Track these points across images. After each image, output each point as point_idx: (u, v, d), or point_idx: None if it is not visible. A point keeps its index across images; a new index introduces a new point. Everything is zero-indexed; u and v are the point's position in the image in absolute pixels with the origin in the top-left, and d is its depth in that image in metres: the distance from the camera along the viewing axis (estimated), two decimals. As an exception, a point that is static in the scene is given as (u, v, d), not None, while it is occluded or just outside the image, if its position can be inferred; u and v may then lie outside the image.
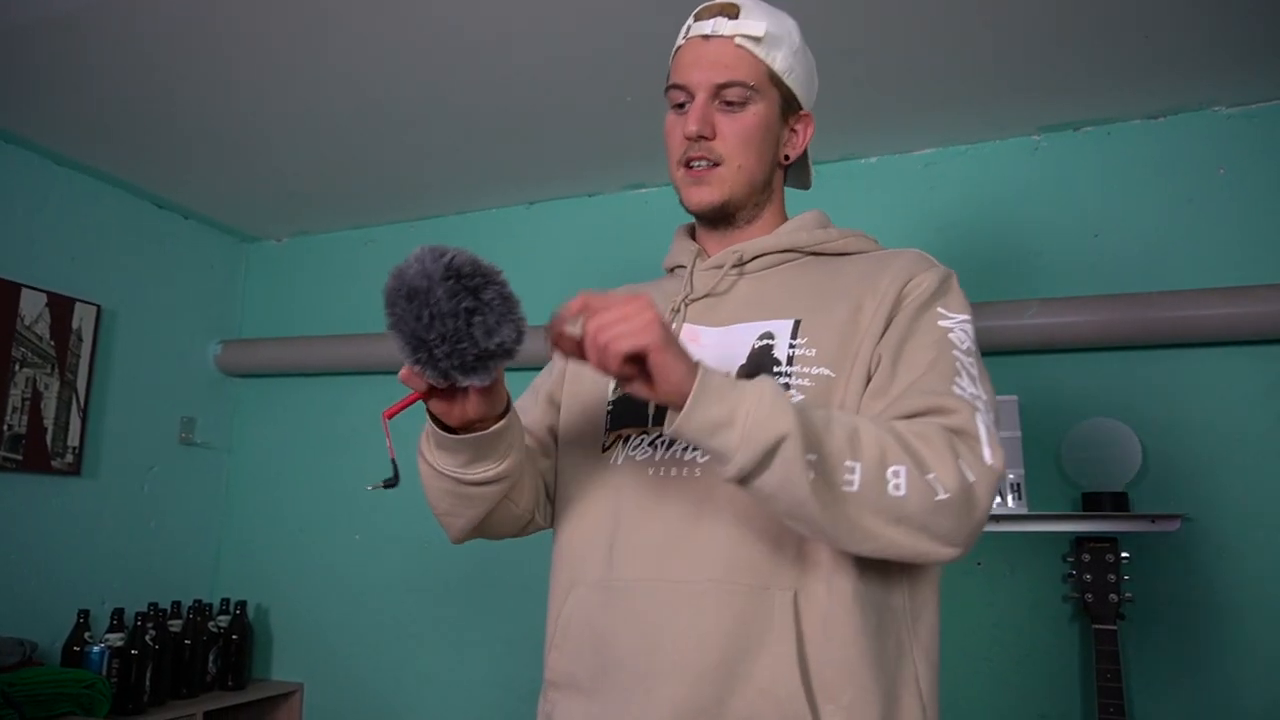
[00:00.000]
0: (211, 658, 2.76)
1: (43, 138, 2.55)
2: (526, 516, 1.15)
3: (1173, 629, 2.05)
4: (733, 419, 0.84)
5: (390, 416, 0.97)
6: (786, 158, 1.15)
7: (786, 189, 1.21)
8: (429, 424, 1.03)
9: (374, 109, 2.32)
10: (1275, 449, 2.04)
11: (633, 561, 1.02)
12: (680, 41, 1.12)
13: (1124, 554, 1.96)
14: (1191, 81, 2.10)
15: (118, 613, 2.54)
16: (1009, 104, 2.23)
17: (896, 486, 0.87)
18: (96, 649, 2.46)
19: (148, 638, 2.54)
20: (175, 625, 2.68)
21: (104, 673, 2.43)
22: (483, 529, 1.13)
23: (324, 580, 2.98)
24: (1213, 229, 2.17)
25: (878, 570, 0.98)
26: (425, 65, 2.10)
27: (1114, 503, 2.02)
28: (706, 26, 1.08)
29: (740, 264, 1.12)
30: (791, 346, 1.02)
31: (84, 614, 2.51)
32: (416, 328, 0.87)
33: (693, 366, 0.86)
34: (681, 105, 1.09)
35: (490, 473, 1.03)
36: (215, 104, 2.32)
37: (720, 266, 1.13)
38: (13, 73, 2.18)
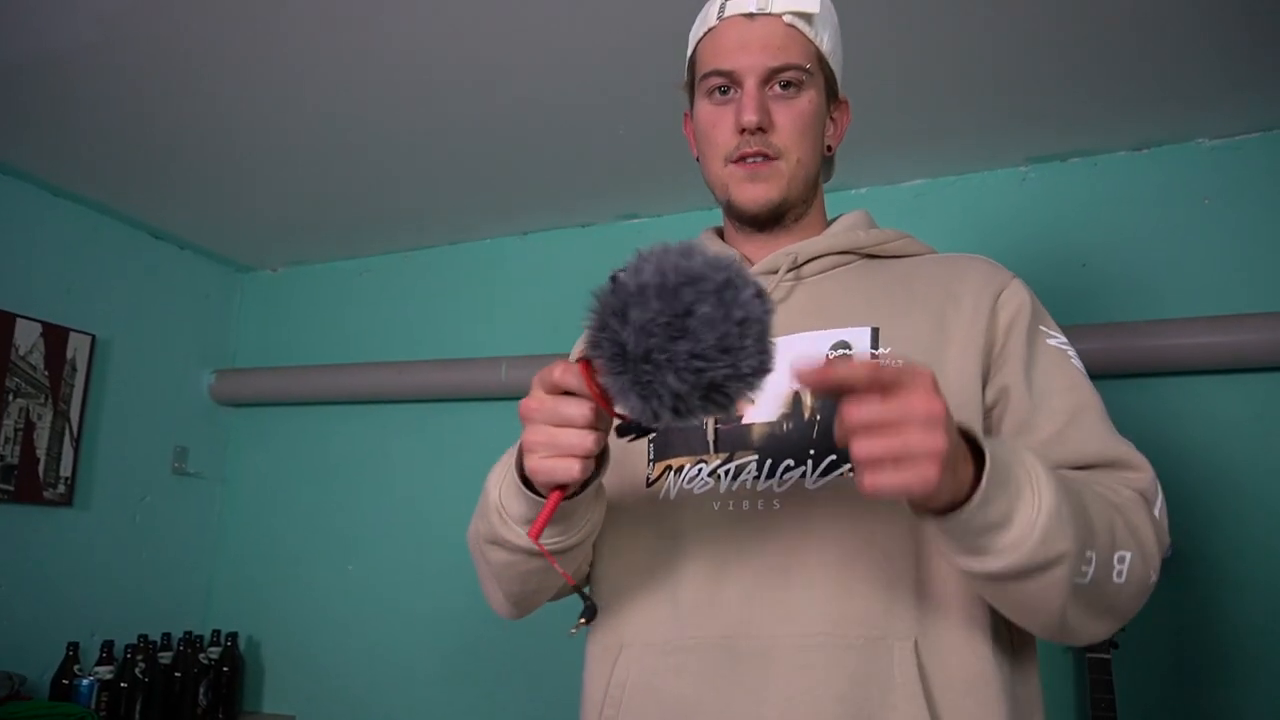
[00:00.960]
0: (202, 690, 2.74)
1: (39, 169, 2.57)
2: (588, 568, 1.01)
3: (1165, 658, 2.05)
4: (1009, 521, 0.69)
5: (539, 535, 0.76)
6: (830, 149, 1.05)
7: None
8: (524, 496, 0.81)
9: (369, 140, 2.34)
10: (1264, 478, 2.05)
11: (711, 618, 0.87)
12: (713, 22, 0.98)
13: (1116, 582, 1.96)
14: (1176, 114, 2.13)
15: (107, 645, 2.51)
16: (997, 135, 2.26)
17: (1119, 574, 0.77)
18: (85, 682, 2.43)
19: (137, 670, 2.52)
20: (166, 657, 2.66)
21: (93, 706, 2.40)
22: (552, 597, 1.00)
23: (317, 611, 2.96)
24: (1199, 259, 2.20)
25: (1001, 622, 0.86)
26: (419, 96, 2.12)
27: (1106, 530, 2.03)
28: (749, 4, 0.95)
29: (795, 267, 0.99)
30: (874, 356, 0.90)
31: (73, 646, 2.49)
32: (672, 334, 0.61)
33: (967, 465, 0.69)
34: (725, 92, 0.97)
35: (582, 532, 0.86)
36: (211, 135, 2.34)
37: (774, 272, 0.99)
38: (9, 105, 2.20)
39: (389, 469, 2.98)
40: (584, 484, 0.79)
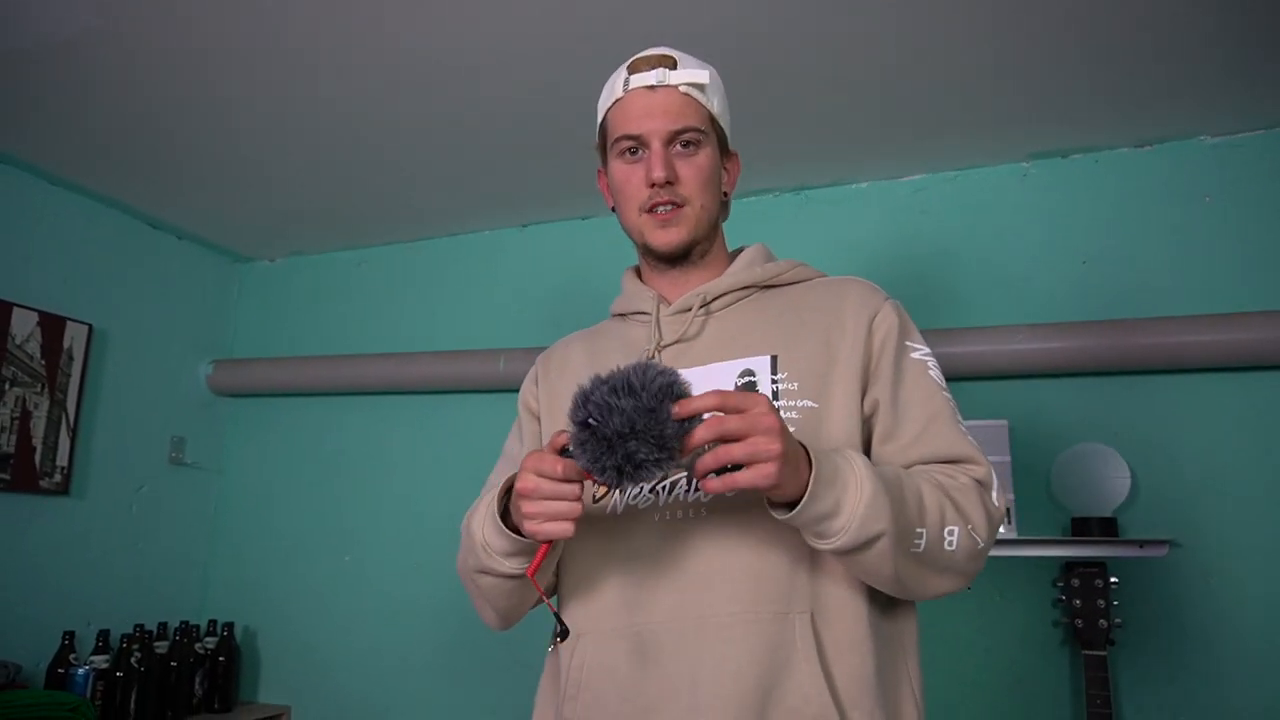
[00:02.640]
0: (198, 680, 2.74)
1: (37, 158, 2.56)
2: (553, 579, 1.21)
3: (1163, 654, 2.05)
4: (837, 510, 0.93)
5: (534, 573, 0.99)
6: (725, 194, 1.22)
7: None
8: (508, 538, 1.03)
9: (367, 130, 2.34)
10: (1262, 475, 2.05)
11: (653, 606, 1.05)
12: (620, 94, 1.16)
13: (1113, 579, 1.97)
14: (1178, 112, 2.13)
15: (103, 634, 2.51)
16: (999, 131, 2.25)
17: (950, 544, 1.01)
18: (81, 671, 2.43)
19: (133, 660, 2.52)
20: (161, 647, 2.66)
21: (88, 695, 2.40)
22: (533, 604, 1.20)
23: (313, 602, 2.96)
24: (1199, 256, 2.19)
25: (881, 590, 1.06)
26: (418, 88, 2.12)
27: (1102, 528, 2.03)
28: (650, 78, 1.13)
29: (705, 304, 1.18)
30: (774, 382, 1.10)
31: (69, 635, 2.49)
32: (632, 420, 0.87)
33: (806, 468, 0.92)
34: (635, 153, 1.14)
35: (557, 557, 1.11)
36: (210, 125, 2.33)
37: (687, 310, 1.18)
38: (8, 94, 2.19)
39: (387, 460, 2.98)
40: None
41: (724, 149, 1.20)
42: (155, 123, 2.32)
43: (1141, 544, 1.95)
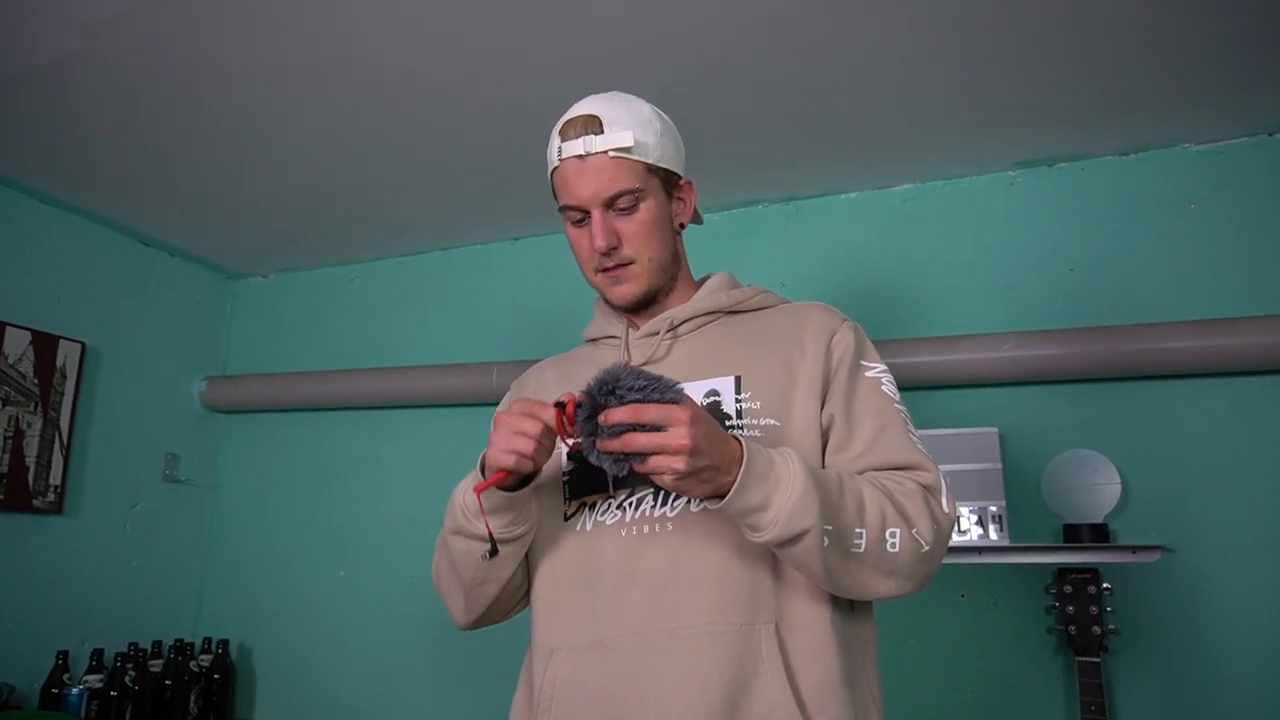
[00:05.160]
0: (193, 698, 2.73)
1: (29, 177, 2.57)
2: (524, 587, 1.24)
3: (1156, 660, 2.06)
4: (767, 504, 0.98)
5: (482, 490, 1.06)
6: (681, 226, 1.26)
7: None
8: (485, 491, 1.07)
9: (358, 146, 2.34)
10: (1252, 479, 2.06)
11: (621, 619, 1.08)
12: (555, 161, 1.19)
13: (1105, 585, 1.97)
14: (1162, 120, 2.15)
15: (97, 653, 2.51)
16: (985, 140, 2.27)
17: (893, 545, 1.04)
18: (75, 691, 2.42)
19: (127, 679, 2.51)
20: (156, 665, 2.65)
21: (82, 715, 2.40)
22: (494, 604, 1.21)
23: (308, 617, 2.95)
24: (1184, 263, 2.21)
25: (845, 600, 1.11)
26: (410, 104, 2.13)
27: (1094, 534, 2.04)
28: (578, 146, 1.15)
29: (673, 328, 1.23)
30: (738, 401, 1.14)
31: (63, 655, 2.48)
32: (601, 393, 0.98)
33: (734, 461, 0.97)
34: (580, 220, 1.19)
35: (525, 526, 1.12)
36: (201, 143, 2.34)
37: (655, 334, 1.23)
38: None
39: (380, 475, 2.98)
40: (522, 483, 1.09)
41: (672, 185, 1.22)
42: (145, 141, 2.33)
43: (1134, 549, 1.96)
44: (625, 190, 1.15)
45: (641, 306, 1.24)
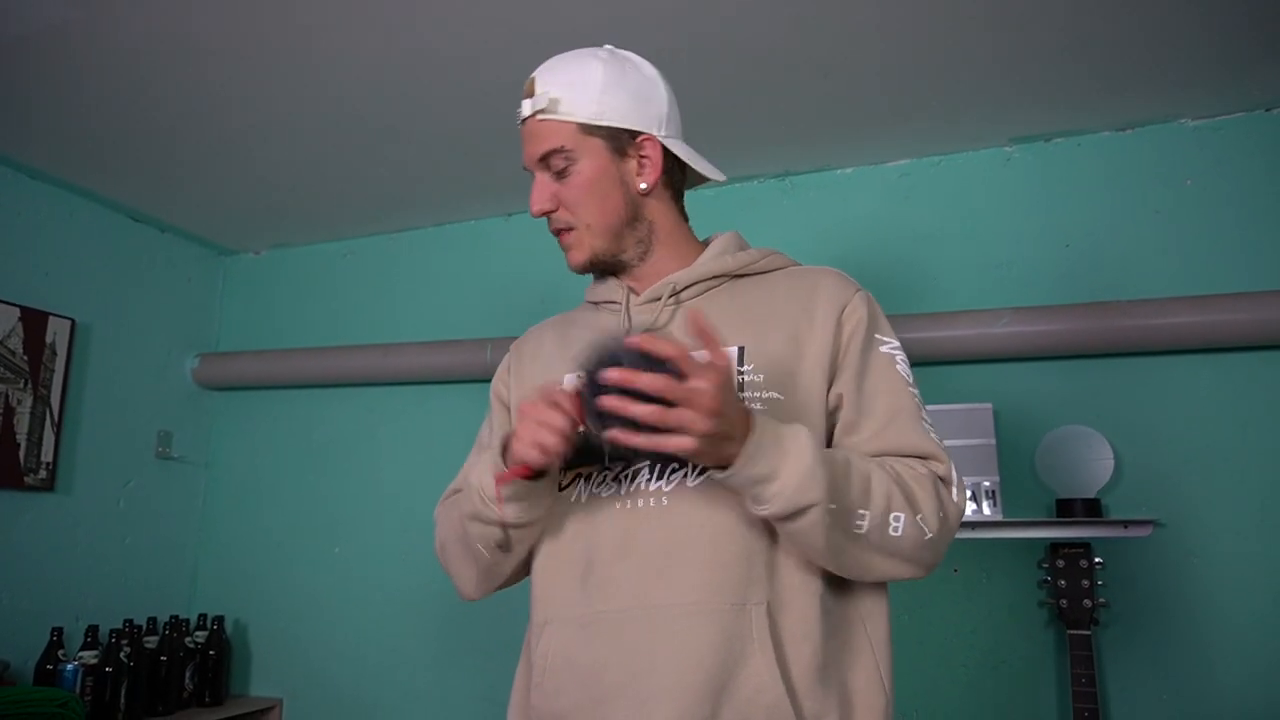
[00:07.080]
0: (188, 674, 2.73)
1: (16, 151, 2.54)
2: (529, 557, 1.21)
3: (1147, 634, 2.07)
4: (774, 475, 0.95)
5: (503, 481, 1.05)
6: (644, 189, 1.16)
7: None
8: (507, 482, 1.05)
9: (352, 121, 2.32)
10: (1243, 455, 2.07)
11: (613, 594, 1.06)
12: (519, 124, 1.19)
13: (1097, 560, 1.99)
14: (1158, 95, 2.14)
15: (92, 630, 2.51)
16: (982, 115, 2.26)
17: (895, 529, 1.01)
18: (70, 667, 2.42)
19: (122, 655, 2.51)
20: (151, 642, 2.65)
21: (77, 691, 2.40)
22: (508, 578, 1.21)
23: (303, 594, 2.96)
24: (1180, 239, 2.21)
25: (838, 579, 1.08)
26: (403, 78, 2.11)
27: (1087, 509, 2.05)
28: (523, 109, 1.16)
29: (676, 293, 1.17)
30: (740, 374, 1.10)
31: (57, 631, 2.48)
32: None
33: (742, 434, 0.94)
34: None
35: (542, 510, 1.10)
36: (192, 117, 2.31)
37: (657, 299, 1.18)
38: (-14, 86, 2.17)
39: (375, 451, 2.97)
40: (540, 474, 1.06)
41: (620, 145, 1.14)
42: (136, 115, 2.30)
43: (1126, 524, 1.97)
44: (550, 151, 1.13)
45: (605, 272, 1.20)
